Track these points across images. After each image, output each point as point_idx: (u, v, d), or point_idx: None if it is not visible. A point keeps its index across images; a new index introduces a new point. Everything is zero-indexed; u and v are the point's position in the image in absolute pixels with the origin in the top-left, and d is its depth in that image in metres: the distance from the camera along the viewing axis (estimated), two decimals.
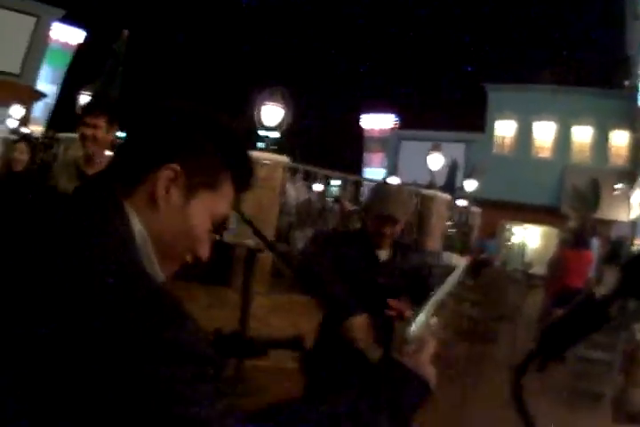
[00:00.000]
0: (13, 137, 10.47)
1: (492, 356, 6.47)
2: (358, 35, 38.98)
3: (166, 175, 0.80)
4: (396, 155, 26.24)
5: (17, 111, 12.96)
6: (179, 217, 0.83)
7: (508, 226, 23.58)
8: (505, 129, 24.07)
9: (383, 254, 2.56)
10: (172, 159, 0.81)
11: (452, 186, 14.66)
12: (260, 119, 5.83)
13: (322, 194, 6.76)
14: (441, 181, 16.81)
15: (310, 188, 6.97)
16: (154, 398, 0.64)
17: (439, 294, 1.13)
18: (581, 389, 5.76)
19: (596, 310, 1.05)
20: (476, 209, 10.57)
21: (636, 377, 4.81)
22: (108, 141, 2.79)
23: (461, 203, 11.88)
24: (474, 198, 12.90)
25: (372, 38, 39.40)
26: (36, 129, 16.17)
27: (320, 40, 38.40)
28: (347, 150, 29.53)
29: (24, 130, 12.83)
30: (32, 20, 12.07)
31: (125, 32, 19.41)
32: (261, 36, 37.43)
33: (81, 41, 19.89)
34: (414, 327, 1.04)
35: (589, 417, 5.06)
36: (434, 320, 1.08)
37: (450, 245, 8.22)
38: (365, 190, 7.03)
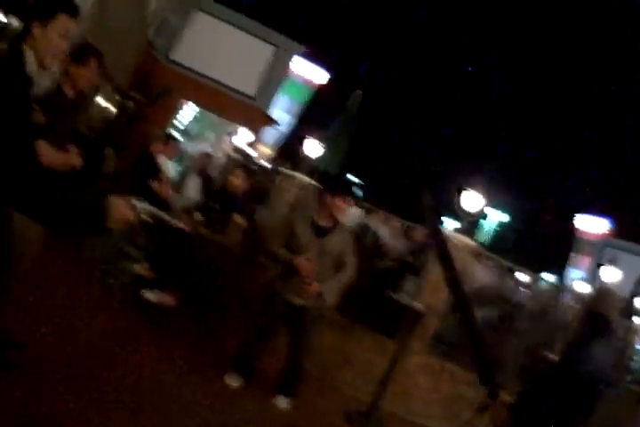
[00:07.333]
0: (235, 155, 11.97)
1: None
2: None
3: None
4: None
5: (245, 134, 13.90)
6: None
7: None
8: None
9: None
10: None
11: None
12: (459, 204, 6.26)
13: None
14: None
15: None
16: None
17: None
18: None
19: None
20: None
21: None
22: None
23: None
24: None
25: None
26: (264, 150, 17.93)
27: None
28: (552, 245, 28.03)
29: (248, 150, 14.14)
30: (271, 48, 12.89)
31: (358, 92, 20.50)
32: None
33: (322, 82, 21.75)
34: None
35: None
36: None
37: None
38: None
